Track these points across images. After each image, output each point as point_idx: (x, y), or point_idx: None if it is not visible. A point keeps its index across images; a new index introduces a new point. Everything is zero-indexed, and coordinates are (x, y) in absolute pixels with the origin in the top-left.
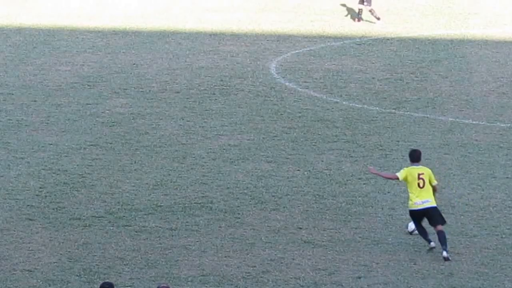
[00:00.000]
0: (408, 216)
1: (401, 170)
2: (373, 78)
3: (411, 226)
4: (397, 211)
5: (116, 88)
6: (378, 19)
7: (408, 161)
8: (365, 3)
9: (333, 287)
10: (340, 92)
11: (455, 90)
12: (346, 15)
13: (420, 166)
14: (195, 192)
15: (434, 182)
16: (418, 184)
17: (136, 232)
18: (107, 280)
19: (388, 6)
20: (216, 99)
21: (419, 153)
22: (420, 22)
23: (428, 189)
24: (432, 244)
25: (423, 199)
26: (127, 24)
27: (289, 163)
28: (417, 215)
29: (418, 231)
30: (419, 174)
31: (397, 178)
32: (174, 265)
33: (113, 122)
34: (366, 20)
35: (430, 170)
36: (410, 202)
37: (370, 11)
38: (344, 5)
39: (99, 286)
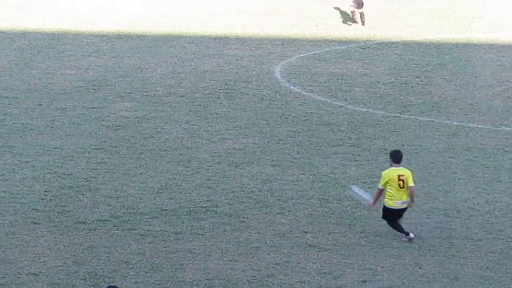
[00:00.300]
0: (413, 221)
1: (380, 179)
2: (378, 82)
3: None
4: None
5: (121, 92)
6: (355, 22)
7: (387, 163)
8: (351, 3)
9: None
10: (345, 96)
11: (460, 94)
12: (350, 19)
13: (401, 167)
14: (200, 195)
15: (411, 184)
16: (399, 185)
17: (141, 235)
18: (112, 284)
19: (393, 10)
20: (221, 103)
21: (402, 154)
22: (425, 26)
23: (406, 189)
24: (411, 235)
25: (403, 199)
26: (132, 28)
27: (294, 166)
28: (395, 214)
29: (394, 227)
30: (399, 176)
31: (382, 190)
32: (179, 269)
33: (118, 126)
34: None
35: (409, 172)
36: (390, 201)
37: (352, 12)
38: (347, 9)
39: None
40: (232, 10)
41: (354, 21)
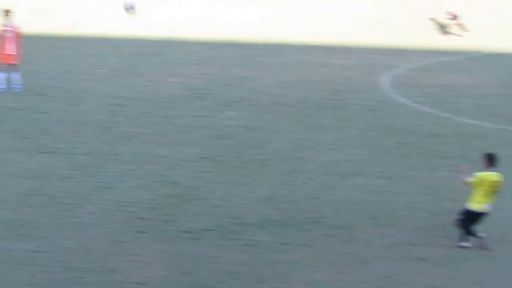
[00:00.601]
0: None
1: (473, 178)
2: (485, 93)
3: None
4: (511, 228)
5: (226, 101)
6: (453, 34)
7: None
8: (448, 16)
9: None
10: (452, 108)
11: None
12: (456, 31)
13: (495, 173)
14: (307, 206)
15: (500, 189)
16: (490, 191)
17: (247, 246)
18: None
19: (500, 20)
20: (327, 113)
21: (497, 158)
22: None
23: (494, 194)
24: (483, 234)
25: (489, 203)
26: (238, 36)
27: (402, 178)
28: (479, 217)
29: (469, 231)
30: (494, 181)
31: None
32: (286, 280)
33: (223, 135)
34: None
35: (501, 176)
36: (477, 205)
37: (447, 24)
38: (443, 20)
39: None
40: (340, 19)
41: (449, 33)
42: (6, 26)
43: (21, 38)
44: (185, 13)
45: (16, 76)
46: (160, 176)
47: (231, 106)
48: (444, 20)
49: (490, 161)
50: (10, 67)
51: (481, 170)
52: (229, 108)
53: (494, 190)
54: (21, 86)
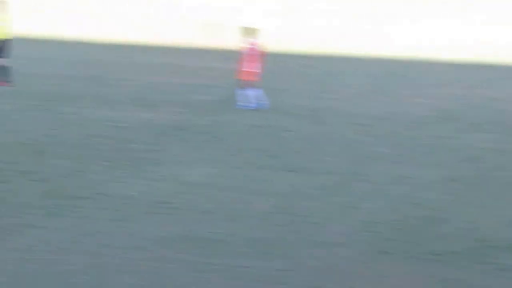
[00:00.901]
0: None
1: None
2: None
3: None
4: None
5: (474, 123)
6: None
7: None
8: None
9: None
10: None
11: None
12: None
13: None
14: None
15: None
16: None
17: (497, 270)
18: None
19: None
20: None
21: None
22: None
23: None
24: None
25: None
26: (483, 57)
27: None
28: None
29: None
30: None
31: None
32: None
33: (471, 157)
34: None
35: None
36: None
37: None
38: None
39: None
40: None
41: None
42: (249, 43)
43: (264, 56)
44: (430, 34)
45: (260, 94)
46: (407, 197)
47: (479, 128)
48: None
49: None
50: (248, 84)
51: None
52: (477, 130)
53: None
54: (267, 104)
